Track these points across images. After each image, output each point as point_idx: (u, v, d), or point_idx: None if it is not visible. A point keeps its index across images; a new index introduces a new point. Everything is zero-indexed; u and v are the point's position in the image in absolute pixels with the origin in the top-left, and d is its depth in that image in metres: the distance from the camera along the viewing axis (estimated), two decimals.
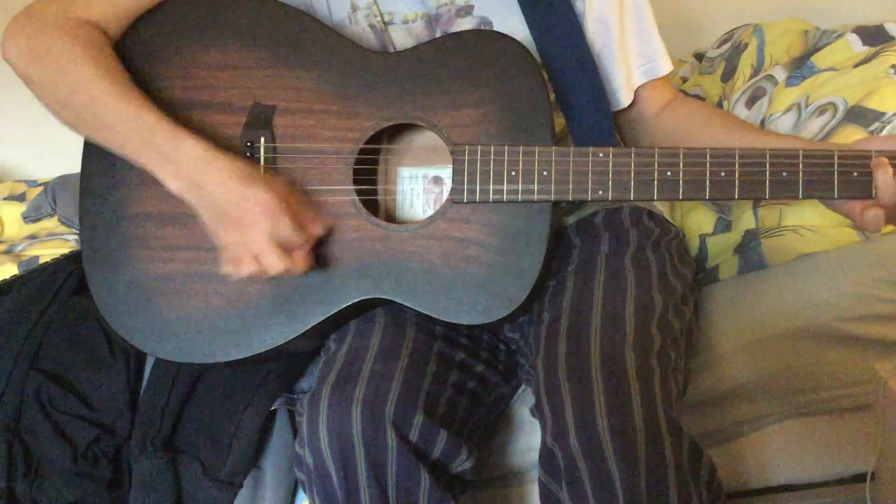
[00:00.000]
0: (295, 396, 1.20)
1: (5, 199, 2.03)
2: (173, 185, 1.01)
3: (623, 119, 1.21)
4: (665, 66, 1.18)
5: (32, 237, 1.87)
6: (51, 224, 1.91)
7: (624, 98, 1.17)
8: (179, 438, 1.17)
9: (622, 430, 0.91)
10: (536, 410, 1.00)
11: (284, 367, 1.20)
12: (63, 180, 1.97)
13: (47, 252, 1.71)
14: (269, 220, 0.99)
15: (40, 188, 2.01)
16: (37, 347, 1.23)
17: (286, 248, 1.00)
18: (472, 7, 1.14)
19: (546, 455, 0.97)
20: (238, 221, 0.99)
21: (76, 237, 1.79)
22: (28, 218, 1.95)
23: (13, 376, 1.21)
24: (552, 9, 1.11)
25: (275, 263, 1.00)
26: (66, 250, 1.62)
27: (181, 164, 1.00)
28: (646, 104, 1.19)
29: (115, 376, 1.21)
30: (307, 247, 1.03)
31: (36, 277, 1.36)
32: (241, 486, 1.14)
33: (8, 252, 1.79)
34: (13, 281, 1.38)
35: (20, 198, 2.02)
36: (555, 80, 1.11)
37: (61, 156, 1.97)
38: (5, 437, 1.17)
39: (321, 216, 1.05)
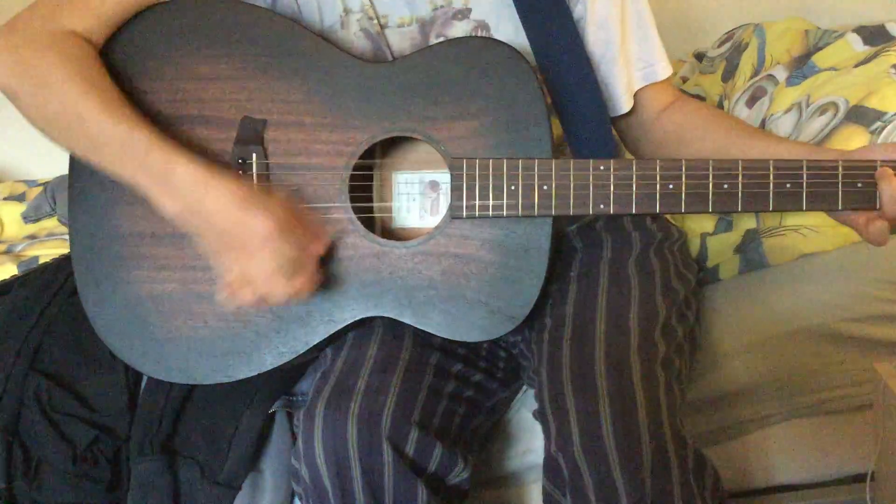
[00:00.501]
0: (294, 398, 1.20)
1: (5, 199, 2.03)
2: (168, 209, 0.97)
3: (624, 123, 1.20)
4: (664, 71, 1.16)
5: (32, 237, 1.87)
6: (51, 224, 1.91)
7: (624, 103, 1.16)
8: (178, 440, 1.16)
9: (627, 440, 0.91)
10: (539, 417, 1.00)
11: (284, 368, 1.19)
12: (63, 180, 1.95)
13: (47, 252, 1.71)
14: (272, 248, 0.95)
15: (40, 188, 2.01)
16: (36, 348, 1.23)
17: (293, 272, 0.97)
18: (468, 10, 1.11)
19: (550, 464, 0.96)
20: (240, 249, 0.96)
21: None
22: (28, 218, 1.94)
23: (12, 377, 1.21)
24: (550, 15, 1.09)
25: (283, 288, 0.96)
26: (65, 250, 1.61)
27: (176, 187, 0.96)
28: (646, 108, 1.18)
29: (115, 377, 1.21)
30: (310, 268, 0.99)
31: (35, 278, 1.36)
32: (239, 488, 1.14)
33: (8, 252, 1.79)
34: (13, 281, 1.37)
35: (20, 198, 2.02)
36: (552, 86, 1.10)
37: (61, 156, 1.95)
38: (4, 437, 1.17)
39: (321, 233, 1.02)
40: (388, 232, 1.11)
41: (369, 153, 1.07)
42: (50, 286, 1.32)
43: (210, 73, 1.07)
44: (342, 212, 1.04)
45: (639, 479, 0.90)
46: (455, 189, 1.02)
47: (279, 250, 0.95)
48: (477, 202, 1.01)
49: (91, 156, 1.02)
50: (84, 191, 1.10)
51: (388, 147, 1.11)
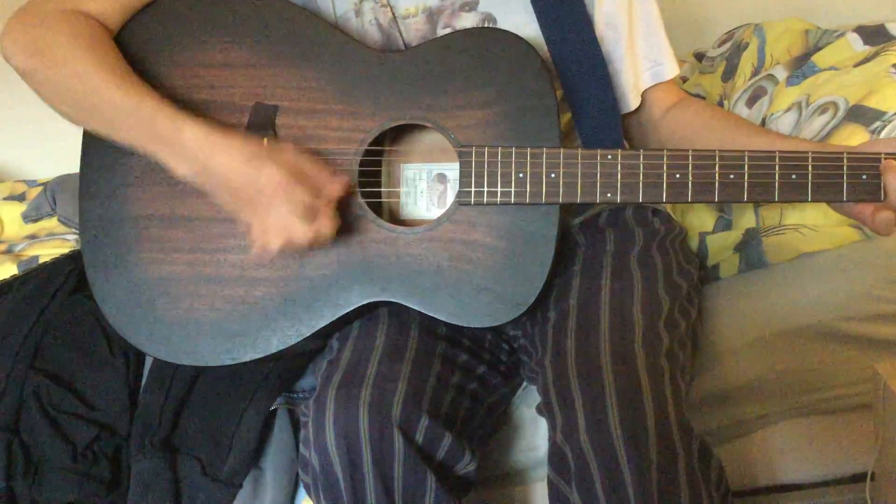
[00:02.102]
0: (295, 396, 1.20)
1: (5, 199, 2.02)
2: (181, 170, 1.01)
3: (629, 120, 1.21)
4: (672, 70, 1.18)
5: (32, 237, 1.87)
6: (51, 224, 1.90)
7: (631, 101, 1.17)
8: (179, 438, 1.16)
9: (634, 429, 0.91)
10: (544, 409, 1.00)
11: (284, 366, 1.19)
12: (63, 180, 1.97)
13: (47, 252, 1.71)
14: (285, 194, 0.98)
15: (40, 188, 2.01)
16: (36, 347, 1.23)
17: (309, 216, 0.99)
18: (476, 2, 1.13)
19: (555, 454, 0.96)
20: (254, 201, 0.99)
21: (76, 237, 1.79)
22: (28, 218, 1.94)
23: (12, 376, 1.21)
24: (563, 5, 1.10)
25: (302, 233, 0.99)
26: (66, 250, 1.62)
27: (185, 148, 1.00)
28: (652, 106, 1.19)
29: (115, 375, 1.21)
30: (330, 209, 1.01)
31: (35, 277, 1.36)
32: (240, 486, 1.14)
33: (8, 252, 1.78)
34: (13, 281, 1.38)
35: (20, 198, 2.02)
36: (563, 76, 1.11)
37: (61, 156, 1.96)
38: (5, 436, 1.17)
39: (337, 177, 1.03)
40: (397, 222, 1.12)
41: (379, 141, 1.08)
42: (50, 285, 1.32)
43: (223, 60, 1.09)
44: (351, 196, 1.06)
45: (645, 468, 0.90)
46: (463, 176, 1.03)
47: (292, 196, 0.98)
48: (485, 189, 1.03)
49: (103, 128, 1.05)
50: (94, 175, 1.12)
51: (397, 135, 1.12)
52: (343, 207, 1.05)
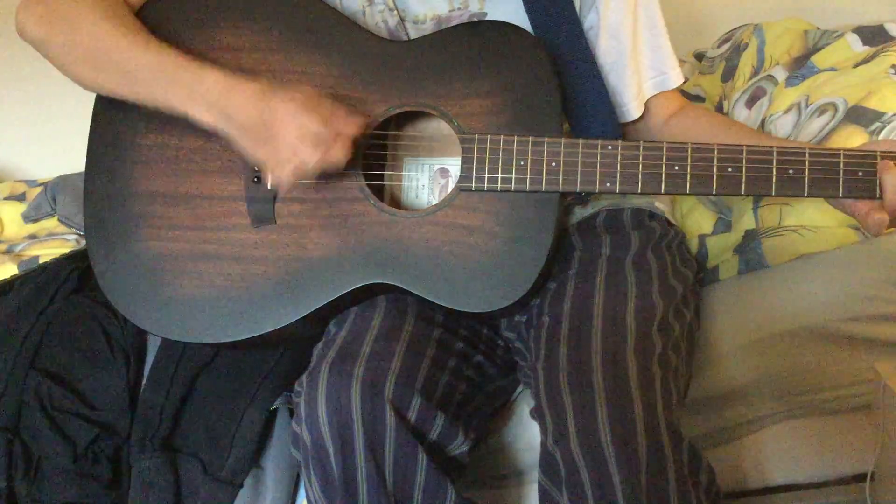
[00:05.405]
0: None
1: (5, 199, 2.02)
2: (205, 118, 1.03)
3: (632, 128, 1.22)
4: (676, 79, 1.19)
5: (32, 237, 1.87)
6: (51, 224, 1.91)
7: (634, 110, 1.18)
8: (179, 438, 1.17)
9: (624, 436, 0.91)
10: (536, 413, 1.00)
11: (285, 365, 1.20)
12: (63, 180, 1.97)
13: (47, 252, 1.71)
14: (294, 121, 1.00)
15: (40, 188, 2.01)
16: (36, 347, 1.24)
17: (318, 142, 1.00)
18: (484, 14, 1.14)
19: (546, 459, 0.97)
20: (265, 133, 1.01)
21: (76, 237, 1.79)
22: (28, 218, 1.94)
23: (13, 376, 1.21)
24: (560, 22, 1.12)
25: (309, 157, 1.00)
26: (66, 250, 1.62)
27: (207, 95, 1.02)
28: (654, 114, 1.20)
29: (115, 375, 1.21)
30: (341, 140, 1.02)
31: (35, 277, 1.36)
32: (241, 485, 1.14)
33: (8, 252, 1.78)
34: (13, 281, 1.38)
35: (20, 198, 2.02)
36: (563, 89, 1.11)
37: (61, 156, 1.97)
38: (5, 436, 1.17)
39: (356, 116, 1.04)
40: (399, 209, 1.13)
41: (384, 127, 1.10)
42: (50, 286, 1.32)
43: (233, 43, 1.11)
44: (354, 179, 1.07)
45: (635, 474, 0.90)
46: (465, 162, 1.04)
47: (301, 122, 1.00)
48: (486, 176, 1.04)
49: (124, 88, 1.07)
50: (102, 150, 1.13)
51: (402, 121, 1.14)
52: (344, 190, 1.06)
